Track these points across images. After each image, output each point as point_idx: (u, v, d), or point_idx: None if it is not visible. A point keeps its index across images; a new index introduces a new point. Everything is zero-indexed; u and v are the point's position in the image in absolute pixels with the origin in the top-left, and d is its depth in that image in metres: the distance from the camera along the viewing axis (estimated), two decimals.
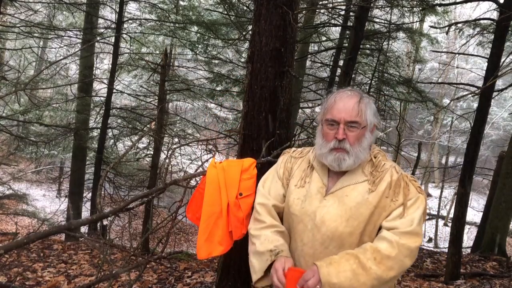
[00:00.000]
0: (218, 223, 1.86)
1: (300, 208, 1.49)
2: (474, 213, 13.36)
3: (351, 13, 7.47)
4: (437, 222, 15.56)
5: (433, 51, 10.83)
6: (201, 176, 2.13)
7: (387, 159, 1.52)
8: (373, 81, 8.06)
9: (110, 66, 8.91)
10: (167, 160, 2.65)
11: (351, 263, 1.32)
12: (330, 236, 1.41)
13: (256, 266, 1.50)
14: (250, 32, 3.19)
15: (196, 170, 2.60)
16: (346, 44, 7.54)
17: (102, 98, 9.16)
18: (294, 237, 1.51)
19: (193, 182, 2.55)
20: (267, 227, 1.54)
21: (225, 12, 7.46)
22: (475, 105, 9.67)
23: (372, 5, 6.61)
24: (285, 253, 1.46)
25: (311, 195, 1.49)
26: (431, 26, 6.41)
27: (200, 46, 8.90)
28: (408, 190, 1.43)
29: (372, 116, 1.47)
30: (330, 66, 8.60)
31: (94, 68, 10.52)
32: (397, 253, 1.32)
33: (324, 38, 9.18)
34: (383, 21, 8.07)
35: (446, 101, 17.50)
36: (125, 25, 8.83)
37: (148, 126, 9.21)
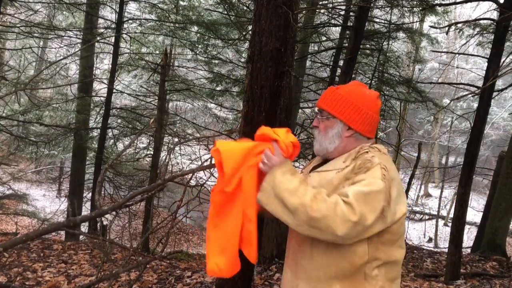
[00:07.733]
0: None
1: None
2: (474, 213, 13.33)
3: (351, 13, 7.46)
4: (437, 222, 15.56)
5: (433, 51, 10.83)
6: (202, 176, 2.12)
7: (379, 158, 1.38)
8: (373, 81, 8.05)
9: (110, 66, 8.91)
10: (167, 156, 2.65)
11: (300, 182, 1.32)
12: None
13: None
14: (250, 32, 3.19)
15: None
16: (346, 44, 7.53)
17: (102, 98, 9.16)
18: None
19: (193, 182, 2.55)
20: None
21: (225, 12, 7.46)
22: (475, 105, 9.67)
23: (372, 5, 6.60)
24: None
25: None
26: (431, 26, 6.41)
27: (200, 46, 8.89)
28: (367, 172, 1.33)
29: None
30: (330, 66, 8.58)
31: (94, 68, 10.52)
32: (331, 205, 1.25)
33: (324, 38, 9.16)
34: (383, 21, 8.05)
35: (446, 101, 17.49)
36: (125, 25, 8.83)
37: (148, 120, 9.20)
